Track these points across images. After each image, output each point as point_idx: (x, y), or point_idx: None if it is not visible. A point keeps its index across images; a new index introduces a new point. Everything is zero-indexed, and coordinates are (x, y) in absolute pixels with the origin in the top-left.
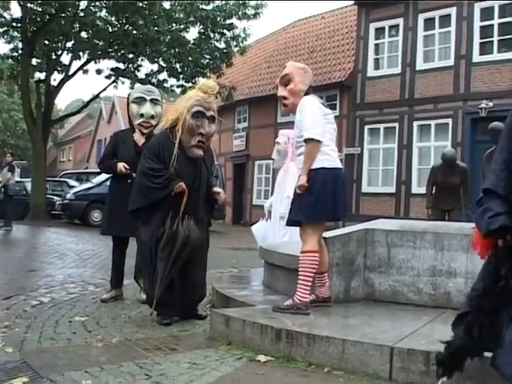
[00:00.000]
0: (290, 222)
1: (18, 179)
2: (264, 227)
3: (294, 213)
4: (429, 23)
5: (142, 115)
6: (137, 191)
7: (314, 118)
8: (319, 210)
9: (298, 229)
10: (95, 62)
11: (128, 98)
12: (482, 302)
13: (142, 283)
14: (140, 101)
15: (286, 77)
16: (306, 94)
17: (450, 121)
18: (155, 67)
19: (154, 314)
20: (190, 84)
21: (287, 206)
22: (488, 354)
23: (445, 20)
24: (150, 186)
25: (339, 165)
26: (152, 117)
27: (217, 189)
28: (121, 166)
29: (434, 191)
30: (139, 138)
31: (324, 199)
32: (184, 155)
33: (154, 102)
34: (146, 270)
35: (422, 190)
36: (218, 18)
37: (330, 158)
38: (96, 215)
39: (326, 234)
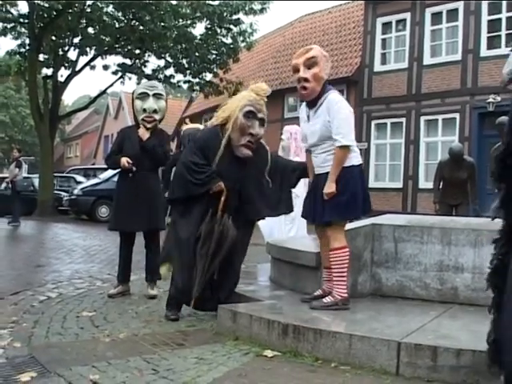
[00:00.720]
0: (322, 222)
1: (25, 175)
2: (270, 222)
3: (328, 213)
4: (436, 17)
5: (144, 110)
6: (176, 182)
7: (349, 122)
8: (353, 208)
9: (304, 224)
10: (102, 58)
11: (132, 95)
12: None
13: (163, 270)
14: (143, 96)
15: (312, 59)
16: (323, 86)
17: (457, 115)
18: (162, 63)
19: (161, 309)
20: (197, 79)
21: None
22: None
23: (452, 14)
24: (189, 180)
25: (361, 160)
26: (155, 111)
27: None
28: (124, 160)
29: (441, 186)
30: (144, 133)
31: (357, 197)
32: (229, 155)
33: (156, 96)
34: (180, 263)
35: (430, 185)
36: (225, 14)
37: (357, 154)
38: (103, 211)
39: None
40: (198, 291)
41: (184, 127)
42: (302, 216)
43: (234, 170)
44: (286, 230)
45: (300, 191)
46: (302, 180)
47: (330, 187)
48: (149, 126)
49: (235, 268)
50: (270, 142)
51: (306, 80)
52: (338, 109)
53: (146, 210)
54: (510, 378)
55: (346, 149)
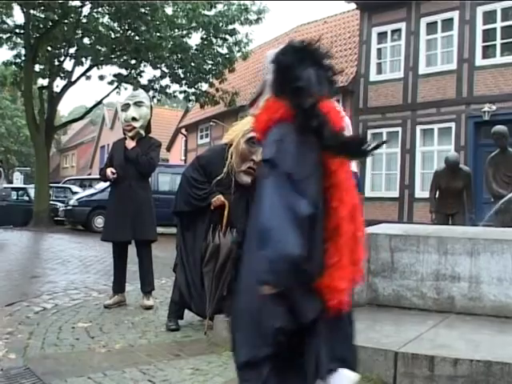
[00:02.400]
0: None
1: (5, 185)
2: None
3: None
4: (431, 27)
5: (125, 120)
6: (178, 196)
7: None
8: None
9: None
10: (98, 68)
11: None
12: None
13: None
14: (126, 107)
15: None
16: None
17: (453, 125)
18: (158, 73)
19: (157, 319)
20: (193, 90)
21: None
22: None
23: (447, 24)
24: (189, 194)
25: (354, 169)
26: (133, 119)
27: None
28: (107, 171)
29: (437, 195)
30: (129, 143)
31: None
32: (229, 178)
33: (138, 104)
34: (183, 275)
35: (426, 195)
36: (221, 24)
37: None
38: (99, 221)
39: None
40: (210, 313)
41: None
42: None
43: (239, 191)
44: None
45: None
46: None
47: None
48: (130, 134)
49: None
50: None
51: None
52: None
53: (131, 220)
54: None
55: None
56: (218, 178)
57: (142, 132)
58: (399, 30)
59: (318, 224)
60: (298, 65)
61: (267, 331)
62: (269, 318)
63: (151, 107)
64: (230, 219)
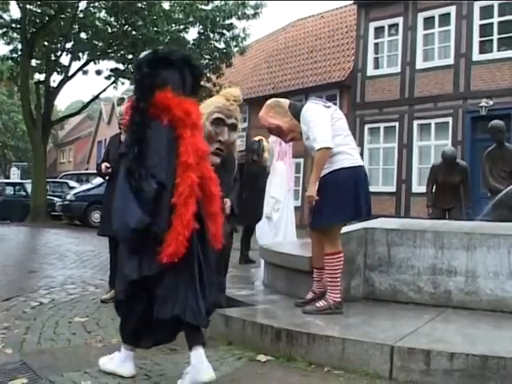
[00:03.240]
0: (312, 228)
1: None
2: (265, 228)
3: (317, 219)
4: (428, 22)
5: (120, 114)
6: None
7: (320, 125)
8: (340, 212)
9: (292, 229)
10: (95, 63)
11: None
12: None
13: None
14: (121, 102)
15: (274, 130)
16: (294, 109)
17: (450, 119)
18: None
19: None
20: None
21: (272, 206)
22: None
23: (444, 19)
24: None
25: (360, 162)
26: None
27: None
28: (102, 166)
29: (434, 190)
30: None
31: (345, 201)
32: None
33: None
34: None
35: (423, 189)
36: (218, 19)
37: (350, 156)
38: (96, 216)
39: None
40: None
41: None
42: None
43: None
44: (271, 235)
45: (281, 196)
46: (284, 185)
47: (309, 190)
48: (124, 128)
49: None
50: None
51: (293, 139)
52: (307, 118)
53: None
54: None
55: (322, 151)
56: None
57: None
58: (396, 25)
59: (164, 197)
60: (148, 68)
61: (123, 279)
62: (124, 269)
63: None
64: None
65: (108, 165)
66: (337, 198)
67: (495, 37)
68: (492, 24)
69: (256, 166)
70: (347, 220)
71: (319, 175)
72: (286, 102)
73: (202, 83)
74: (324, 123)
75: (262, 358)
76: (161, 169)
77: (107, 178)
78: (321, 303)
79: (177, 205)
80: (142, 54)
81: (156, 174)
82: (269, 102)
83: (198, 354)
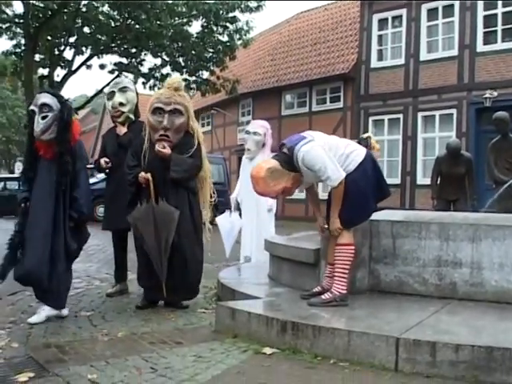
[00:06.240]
0: (350, 226)
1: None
2: (229, 220)
3: (349, 216)
4: (432, 13)
5: (113, 107)
6: None
7: (325, 162)
8: (360, 214)
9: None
10: (98, 57)
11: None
12: None
13: None
14: (111, 95)
15: (285, 193)
16: (286, 162)
17: (454, 111)
18: (158, 61)
19: (160, 307)
20: (194, 78)
21: (273, 200)
22: None
23: (448, 10)
24: (127, 182)
25: (362, 154)
26: (121, 104)
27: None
28: (101, 161)
29: (438, 182)
30: (120, 130)
31: (361, 203)
32: (153, 149)
33: (122, 90)
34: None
35: (427, 181)
36: (221, 12)
37: (356, 151)
38: (101, 210)
39: None
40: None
41: None
42: None
43: (158, 161)
44: (271, 227)
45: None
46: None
47: (334, 223)
48: (119, 120)
49: (180, 262)
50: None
51: (292, 191)
52: (311, 163)
53: (125, 208)
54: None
55: (339, 185)
56: (144, 151)
57: (132, 116)
58: (400, 17)
59: None
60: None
61: None
62: None
63: (136, 91)
64: (158, 193)
65: (107, 160)
66: (363, 195)
67: (499, 28)
68: (496, 15)
69: None
70: (364, 219)
71: (339, 207)
72: (274, 162)
73: (206, 77)
74: (329, 160)
75: (267, 350)
76: None
77: (107, 172)
78: (326, 295)
79: None
80: None
81: None
82: (260, 174)
83: None
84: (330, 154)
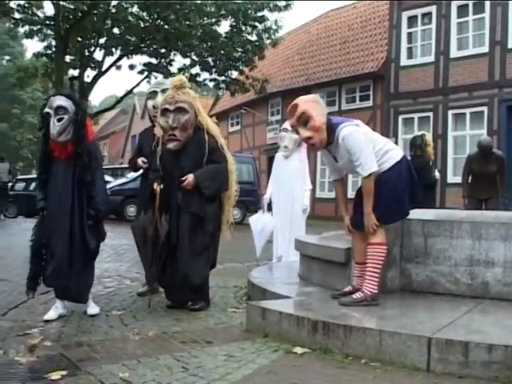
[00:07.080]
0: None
1: None
2: (261, 220)
3: (382, 215)
4: (462, 10)
5: (154, 107)
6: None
7: (363, 150)
8: (395, 212)
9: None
10: (128, 58)
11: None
12: None
13: None
14: (153, 95)
15: (303, 116)
16: (329, 126)
17: (485, 109)
18: (187, 61)
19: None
20: (223, 77)
21: (308, 199)
22: None
23: (478, 6)
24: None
25: (399, 154)
26: None
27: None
28: (139, 161)
29: (470, 180)
30: (158, 130)
31: (396, 200)
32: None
33: (165, 91)
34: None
35: (458, 180)
36: (250, 11)
37: (395, 150)
38: (131, 210)
39: None
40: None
41: None
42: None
43: (170, 161)
44: (304, 225)
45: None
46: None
47: (369, 219)
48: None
49: (186, 264)
50: None
51: (309, 138)
52: (350, 144)
53: None
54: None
55: (370, 177)
56: (158, 153)
57: None
58: (430, 14)
59: None
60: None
61: None
62: None
63: None
64: (167, 203)
65: (145, 159)
66: (397, 194)
67: None
68: None
69: (420, 160)
70: (408, 212)
71: (371, 203)
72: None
73: (235, 76)
74: (367, 148)
75: (298, 350)
76: None
77: (141, 171)
78: (357, 295)
79: None
80: None
81: None
82: (314, 97)
83: None
84: (369, 145)
